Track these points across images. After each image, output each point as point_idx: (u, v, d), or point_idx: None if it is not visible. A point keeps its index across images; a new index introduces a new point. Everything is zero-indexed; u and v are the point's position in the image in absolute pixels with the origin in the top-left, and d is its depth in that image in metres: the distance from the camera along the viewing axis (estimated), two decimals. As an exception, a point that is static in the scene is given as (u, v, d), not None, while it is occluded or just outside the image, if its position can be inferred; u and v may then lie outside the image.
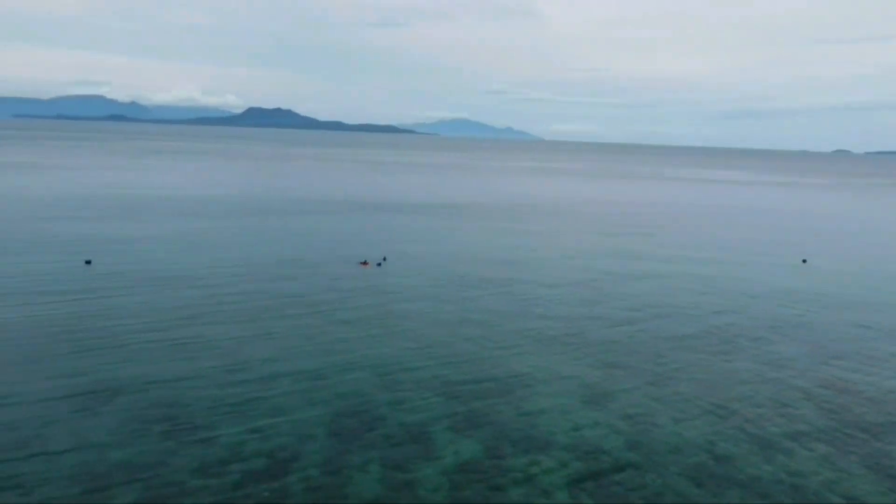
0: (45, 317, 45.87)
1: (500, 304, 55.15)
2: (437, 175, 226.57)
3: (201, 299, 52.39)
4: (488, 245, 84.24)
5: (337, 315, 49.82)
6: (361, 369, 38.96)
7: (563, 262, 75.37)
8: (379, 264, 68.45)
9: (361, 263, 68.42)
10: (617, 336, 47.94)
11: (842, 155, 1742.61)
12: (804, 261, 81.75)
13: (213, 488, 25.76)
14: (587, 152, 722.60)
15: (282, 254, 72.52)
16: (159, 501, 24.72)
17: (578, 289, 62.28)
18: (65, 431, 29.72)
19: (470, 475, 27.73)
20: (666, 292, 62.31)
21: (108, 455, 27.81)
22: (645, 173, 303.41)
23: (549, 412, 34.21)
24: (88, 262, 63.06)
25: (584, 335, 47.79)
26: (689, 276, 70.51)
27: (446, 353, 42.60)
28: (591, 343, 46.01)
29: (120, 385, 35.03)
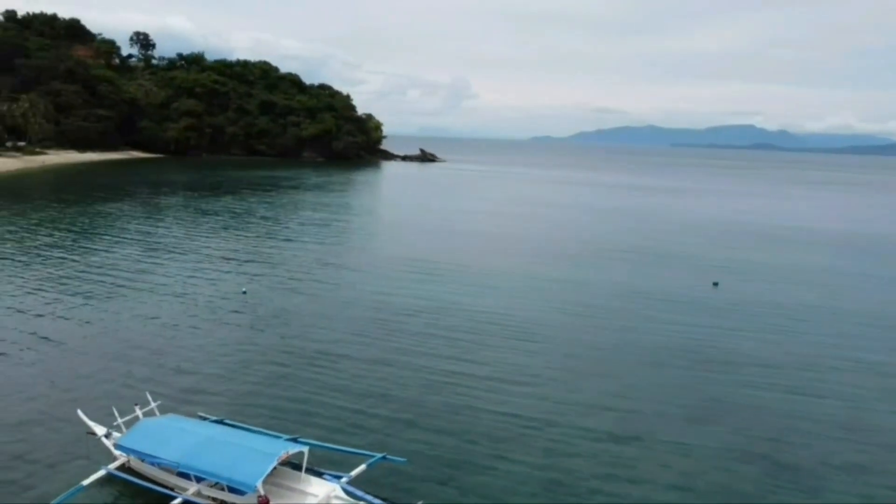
0: (670, 329, 49.88)
1: None
2: None
3: (802, 339, 48.63)
4: None
5: None
6: None
7: None
8: None
9: None
10: None
11: None
12: None
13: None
14: None
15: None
16: (751, 537, 24.11)
17: None
18: (672, 436, 31.78)
19: None
20: None
21: (709, 474, 28.51)
22: None
23: None
24: (716, 284, 65.70)
25: None
26: None
27: None
28: None
29: (727, 408, 35.49)
